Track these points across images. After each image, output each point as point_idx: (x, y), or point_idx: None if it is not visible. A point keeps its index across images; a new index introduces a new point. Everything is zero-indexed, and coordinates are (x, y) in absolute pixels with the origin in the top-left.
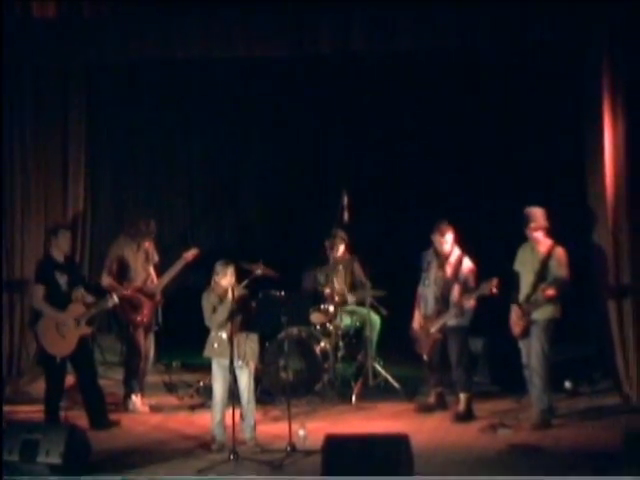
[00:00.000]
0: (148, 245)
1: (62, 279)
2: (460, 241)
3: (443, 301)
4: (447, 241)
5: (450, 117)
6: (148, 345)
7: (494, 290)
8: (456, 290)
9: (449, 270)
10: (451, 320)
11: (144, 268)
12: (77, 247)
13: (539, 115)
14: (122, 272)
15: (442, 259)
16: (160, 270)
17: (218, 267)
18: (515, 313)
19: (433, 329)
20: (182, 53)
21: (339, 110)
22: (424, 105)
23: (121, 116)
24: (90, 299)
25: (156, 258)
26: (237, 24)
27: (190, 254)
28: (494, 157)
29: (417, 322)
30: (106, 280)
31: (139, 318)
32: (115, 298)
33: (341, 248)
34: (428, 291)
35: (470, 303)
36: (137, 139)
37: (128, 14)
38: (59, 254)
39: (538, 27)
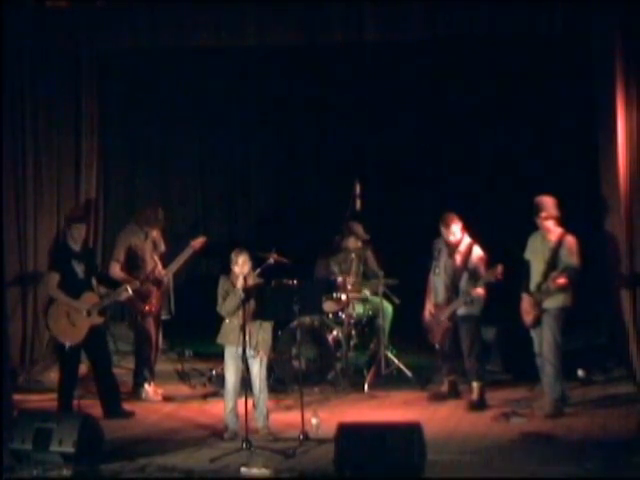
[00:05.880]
0: (156, 234)
1: (79, 267)
2: (471, 230)
3: (453, 289)
4: (453, 232)
5: (463, 104)
6: (157, 334)
7: (499, 277)
8: (465, 278)
9: (459, 258)
10: (461, 309)
11: (152, 257)
12: (90, 236)
13: (551, 102)
14: (131, 261)
15: (452, 248)
16: (167, 259)
17: (233, 255)
18: (526, 302)
19: (443, 317)
20: (194, 41)
21: (352, 99)
22: (437, 93)
23: (133, 105)
24: (102, 290)
25: (163, 247)
26: (249, 12)
27: (197, 242)
28: (506, 145)
29: (428, 311)
30: (115, 270)
31: (147, 307)
32: (129, 290)
33: (353, 237)
34: (438, 279)
35: (479, 291)
36: (149, 128)
37: (140, 2)
38: (76, 243)
39: (550, 12)
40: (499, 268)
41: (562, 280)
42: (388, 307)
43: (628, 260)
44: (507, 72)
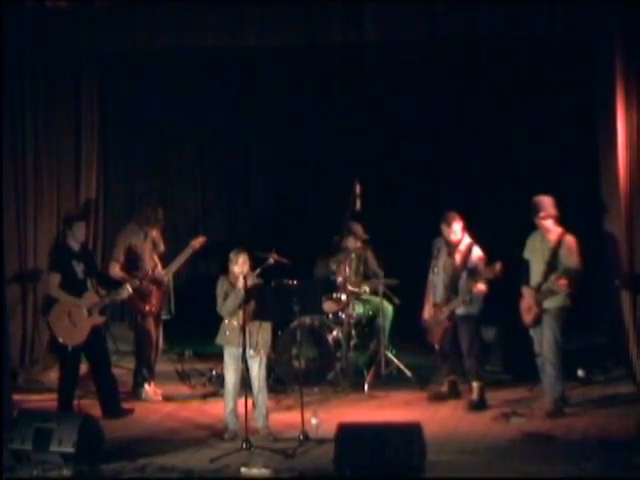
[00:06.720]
0: (155, 234)
1: (79, 267)
2: (471, 230)
3: (452, 288)
4: (454, 231)
5: (463, 104)
6: (157, 334)
7: (498, 274)
8: (465, 278)
9: (458, 258)
10: (460, 308)
11: (151, 257)
12: (90, 236)
13: (552, 103)
14: (130, 261)
15: (452, 247)
16: (167, 259)
17: (232, 255)
18: (526, 302)
19: (442, 317)
20: (194, 41)
21: (351, 99)
22: (437, 93)
23: (133, 105)
24: (102, 290)
25: (162, 247)
26: (249, 12)
27: (197, 242)
28: (507, 145)
29: (427, 311)
30: (115, 270)
31: (147, 307)
32: (129, 289)
33: (353, 237)
34: (438, 279)
35: (478, 288)
36: (149, 128)
37: (140, 2)
38: (75, 243)
39: (550, 13)
40: (498, 265)
41: (563, 282)
42: (388, 307)
43: (628, 260)
44: (507, 72)
